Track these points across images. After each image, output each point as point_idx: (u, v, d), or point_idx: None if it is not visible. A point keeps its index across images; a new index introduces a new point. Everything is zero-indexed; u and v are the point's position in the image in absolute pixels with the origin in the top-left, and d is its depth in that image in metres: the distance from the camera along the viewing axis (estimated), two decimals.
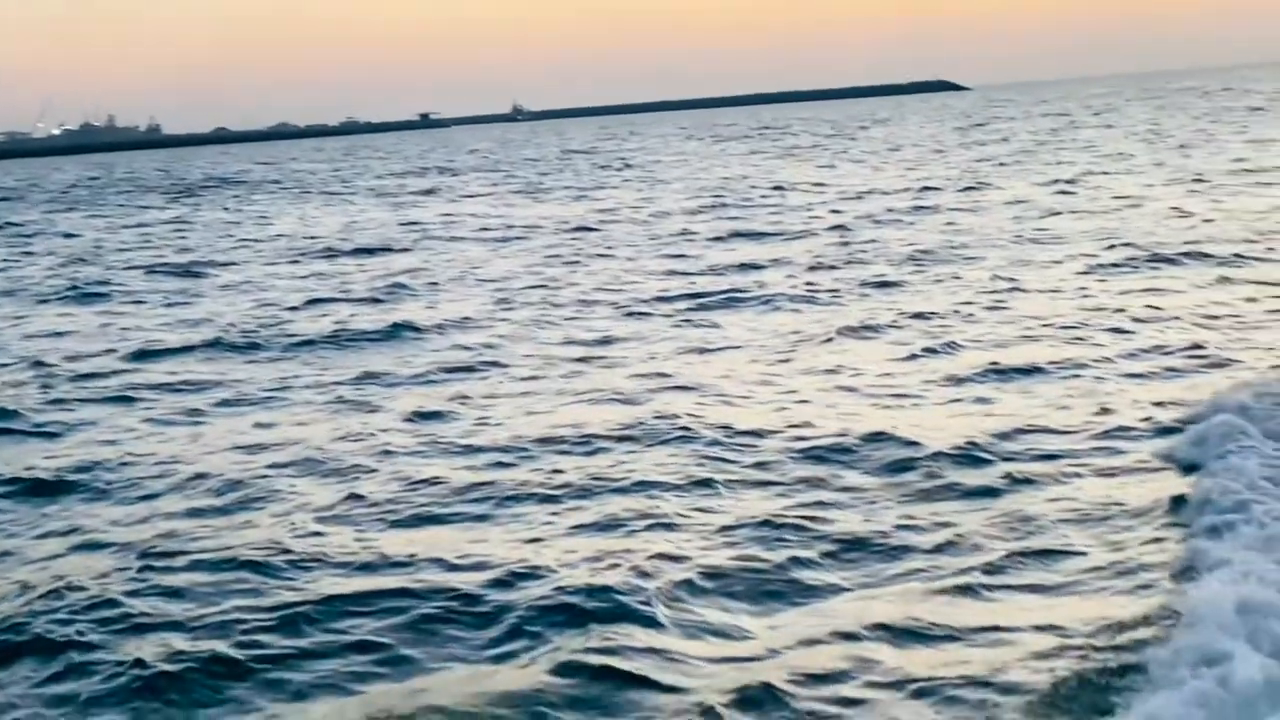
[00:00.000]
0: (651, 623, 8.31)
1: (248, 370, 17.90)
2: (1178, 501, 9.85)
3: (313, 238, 37.93)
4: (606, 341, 18.57)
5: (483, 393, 15.59)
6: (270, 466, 12.74)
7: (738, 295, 21.97)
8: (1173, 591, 8.15)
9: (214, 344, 19.83)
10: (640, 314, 20.75)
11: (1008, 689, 7.17)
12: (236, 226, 44.77)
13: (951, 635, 7.96)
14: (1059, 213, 31.05)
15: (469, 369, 17.08)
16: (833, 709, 7.10)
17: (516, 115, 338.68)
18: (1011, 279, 21.57)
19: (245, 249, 36.28)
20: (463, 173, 76.69)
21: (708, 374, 15.88)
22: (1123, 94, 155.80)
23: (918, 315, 18.81)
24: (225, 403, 15.91)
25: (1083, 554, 9.23)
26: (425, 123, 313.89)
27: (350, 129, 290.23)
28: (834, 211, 35.85)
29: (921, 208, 34.86)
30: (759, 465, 11.84)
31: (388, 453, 12.99)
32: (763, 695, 7.22)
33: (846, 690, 7.31)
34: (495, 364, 17.29)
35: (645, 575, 9.03)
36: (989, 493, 10.72)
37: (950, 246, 26.41)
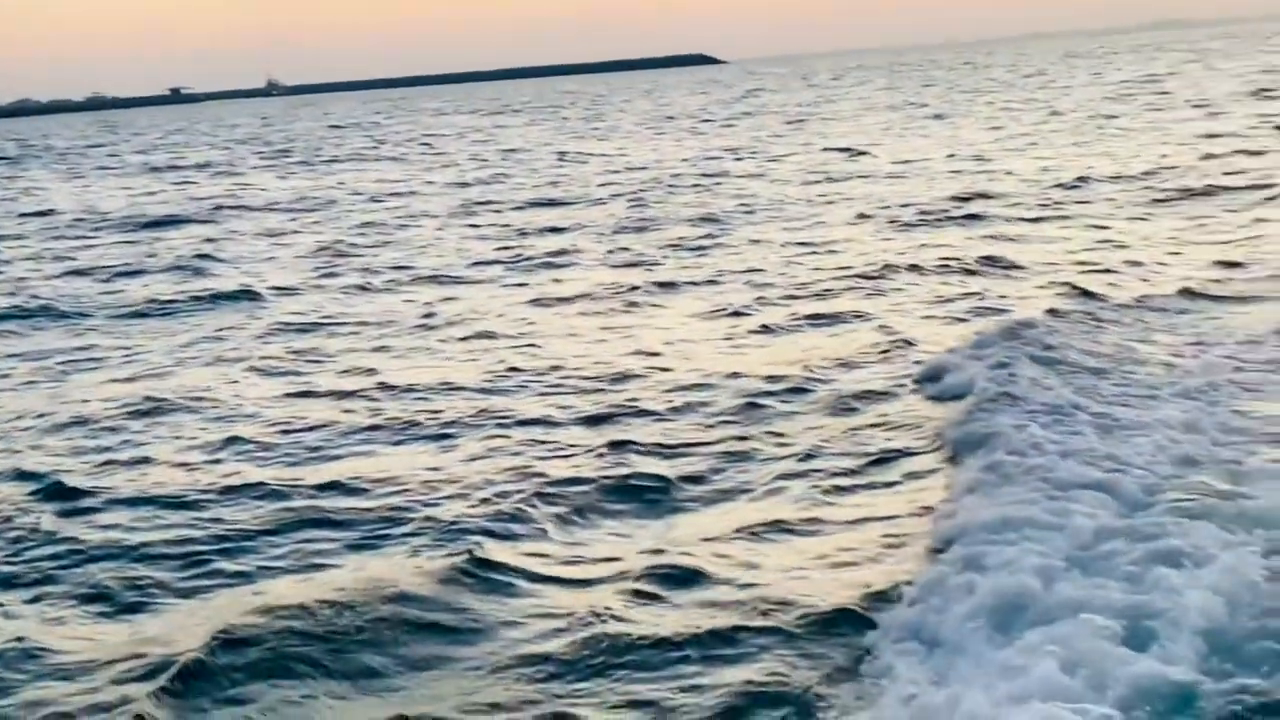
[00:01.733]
0: (514, 537, 9.39)
1: (88, 338, 18.43)
2: (955, 427, 10.94)
3: (103, 212, 37.65)
4: (442, 302, 19.48)
5: (338, 348, 16.51)
6: (144, 415, 13.61)
7: (552, 259, 23.06)
8: (945, 509, 9.08)
9: (38, 313, 20.31)
10: (463, 280, 21.68)
11: (806, 598, 7.96)
12: (12, 202, 43.89)
13: (762, 557, 8.82)
14: (838, 178, 33.01)
15: (315, 326, 18.00)
16: (669, 613, 7.97)
17: (272, 90, 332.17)
18: (806, 240, 23.10)
19: (30, 223, 35.95)
20: (232, 146, 75.99)
21: (543, 329, 17.00)
22: (879, 67, 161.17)
23: (729, 272, 20.26)
24: (73, 364, 16.57)
25: (869, 484, 10.18)
26: (177, 98, 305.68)
27: (97, 104, 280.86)
28: (621, 177, 37.33)
29: (709, 175, 36.49)
30: (604, 405, 12.89)
31: (259, 400, 13.94)
32: (614, 597, 8.18)
33: (684, 597, 8.19)
34: (339, 323, 18.18)
35: (507, 497, 10.13)
36: (795, 422, 11.88)
37: (746, 210, 27.96)
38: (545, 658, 7.42)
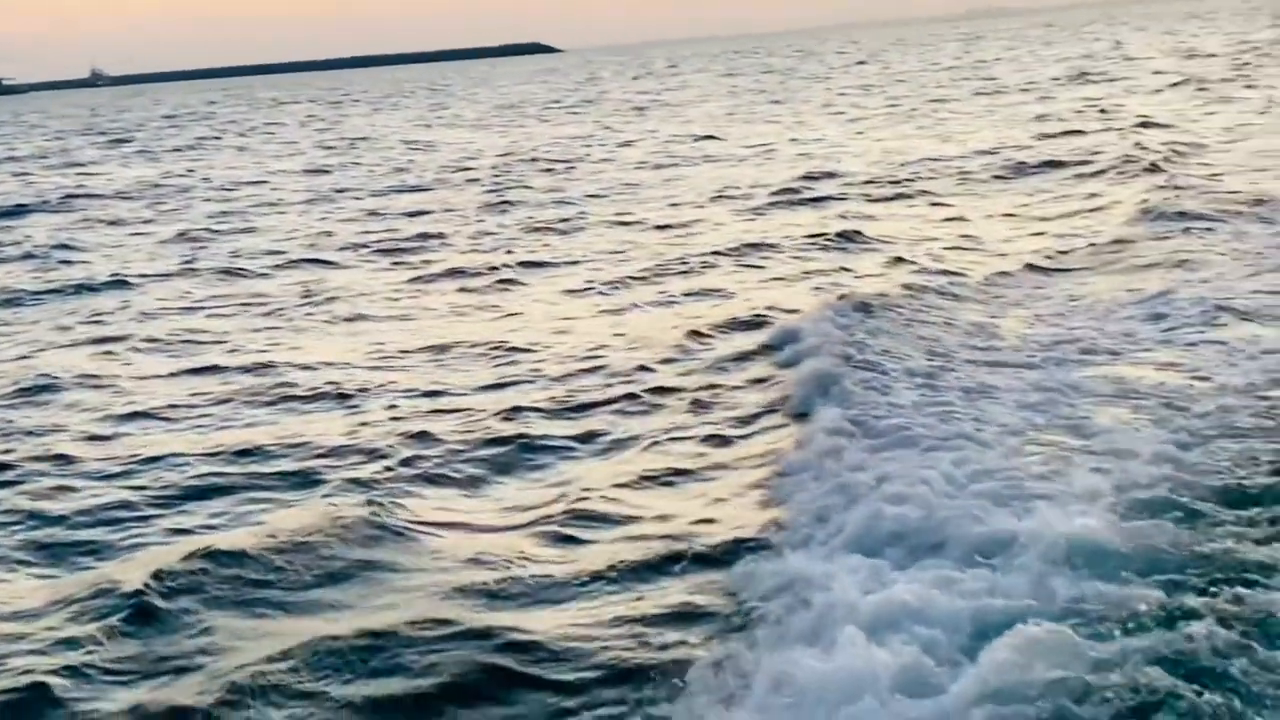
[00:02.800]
0: (421, 492, 10.06)
1: None
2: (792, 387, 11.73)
3: None
4: (318, 283, 19.93)
5: (222, 328, 16.93)
6: (42, 391, 14.00)
7: (422, 241, 23.58)
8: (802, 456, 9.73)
9: None
10: (335, 263, 22.08)
11: (702, 533, 8.66)
12: None
13: (657, 500, 9.56)
14: (689, 162, 33.99)
15: (194, 309, 18.37)
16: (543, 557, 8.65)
17: (96, 80, 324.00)
18: (663, 221, 23.85)
19: None
20: (66, 136, 74.67)
21: (423, 306, 17.62)
22: (716, 55, 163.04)
23: (594, 251, 21.05)
24: None
25: (743, 435, 10.87)
26: None
27: None
28: (475, 163, 37.89)
29: (562, 160, 37.20)
30: (494, 375, 13.58)
31: (153, 377, 14.36)
32: (489, 545, 8.83)
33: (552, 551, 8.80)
34: (218, 306, 18.57)
35: (412, 459, 10.77)
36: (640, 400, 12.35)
37: (604, 193, 28.70)
38: (461, 590, 8.06)
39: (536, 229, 24.15)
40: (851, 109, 48.00)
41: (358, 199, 31.66)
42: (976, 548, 7.36)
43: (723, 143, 38.35)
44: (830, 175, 27.85)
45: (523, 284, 18.86)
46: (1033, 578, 6.91)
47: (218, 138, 63.66)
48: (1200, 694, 5.63)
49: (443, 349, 14.86)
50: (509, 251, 21.66)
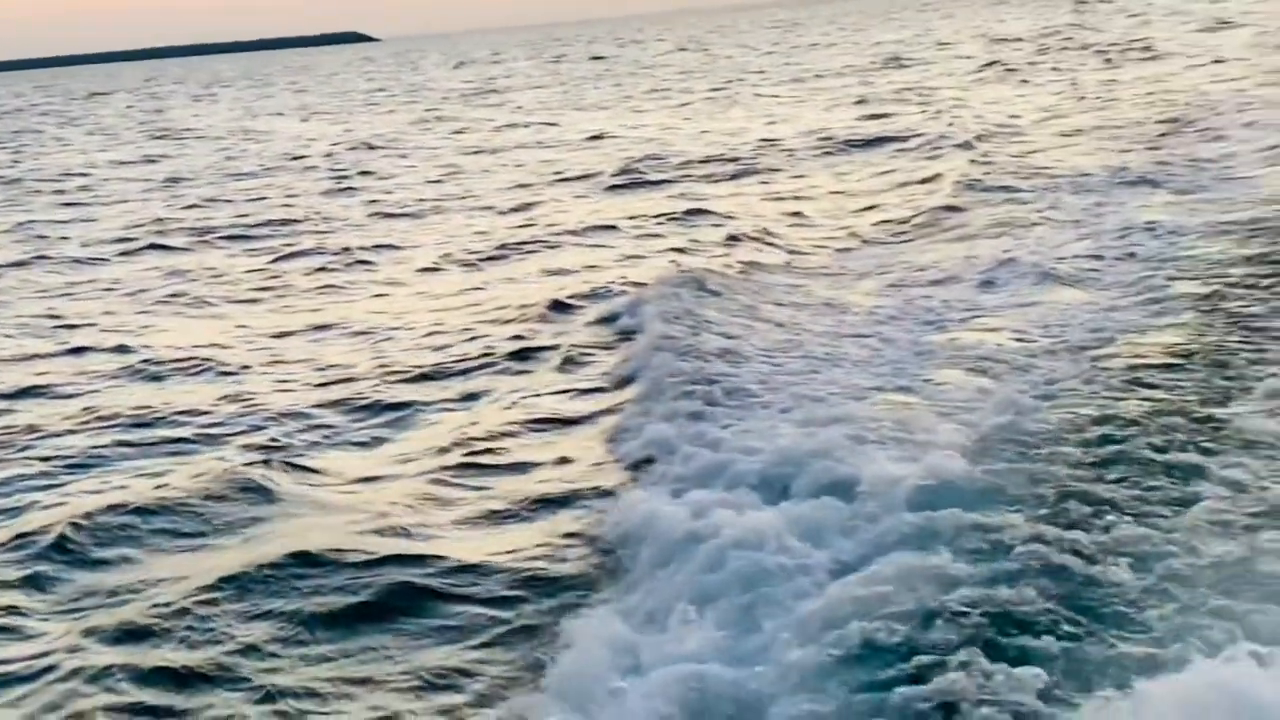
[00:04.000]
0: (306, 449, 10.77)
1: None
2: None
3: None
4: (175, 270, 20.24)
5: (94, 310, 17.33)
6: None
7: (277, 228, 23.91)
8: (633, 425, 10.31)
9: None
10: (186, 249, 22.40)
11: (563, 482, 9.43)
12: None
13: (520, 452, 10.30)
14: (528, 147, 34.64)
15: (59, 293, 18.68)
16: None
17: None
18: (503, 205, 24.49)
19: None
20: None
21: (279, 286, 18.24)
22: (536, 43, 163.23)
23: (448, 233, 21.72)
24: None
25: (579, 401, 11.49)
26: None
27: None
28: (311, 149, 38.17)
29: (397, 147, 37.61)
30: (356, 353, 14.13)
31: (33, 355, 14.85)
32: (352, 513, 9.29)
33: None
34: (81, 289, 18.92)
35: (279, 420, 11.58)
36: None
37: (446, 178, 29.30)
38: (358, 527, 8.79)
39: (383, 214, 24.67)
40: (681, 94, 49.04)
41: (197, 187, 31.73)
42: (825, 490, 7.95)
43: (558, 128, 39.03)
44: (667, 157, 28.69)
45: (376, 264, 19.46)
46: (878, 516, 7.52)
47: (38, 130, 62.39)
48: (1038, 614, 6.18)
49: (312, 326, 15.50)
50: (360, 234, 22.20)
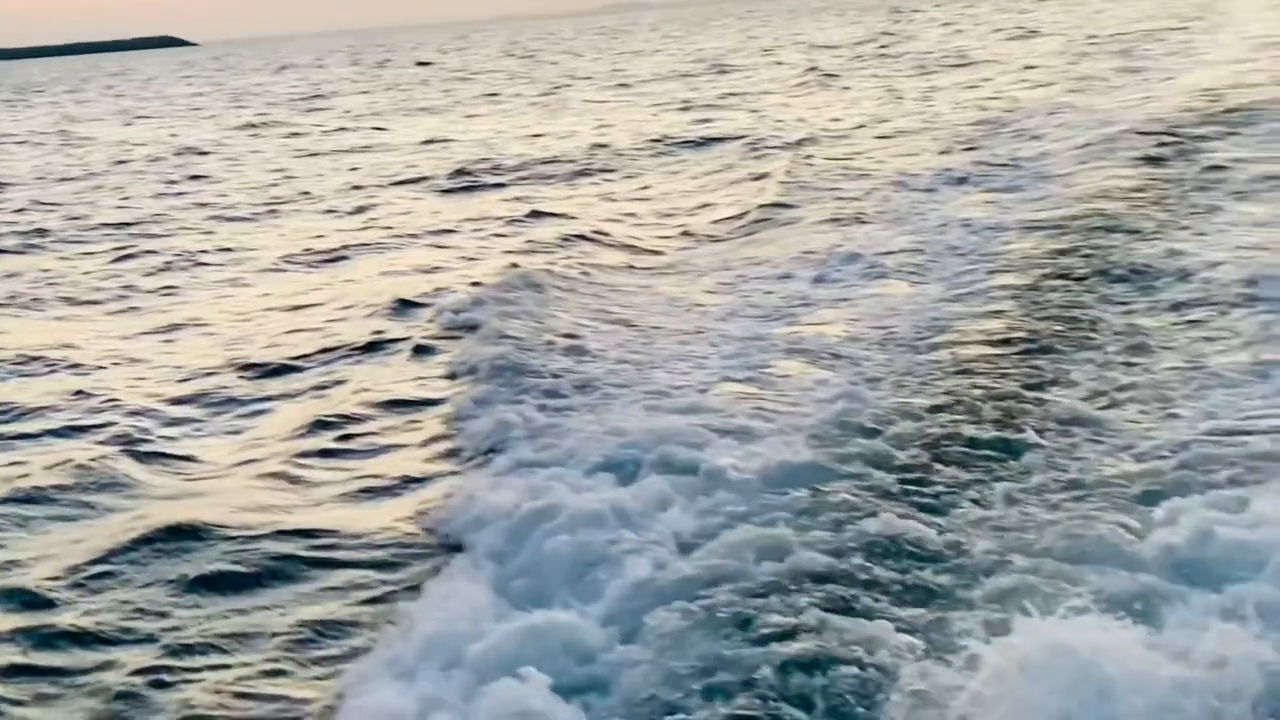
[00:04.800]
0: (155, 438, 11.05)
1: None
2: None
3: None
4: (9, 271, 20.08)
5: None
6: None
7: (114, 229, 23.77)
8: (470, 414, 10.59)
9: None
10: (17, 251, 22.15)
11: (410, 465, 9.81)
12: None
13: (369, 439, 10.62)
14: (360, 150, 34.70)
15: None
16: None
17: None
18: (342, 207, 24.64)
19: None
20: None
21: (122, 287, 18.18)
22: (357, 49, 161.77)
23: (283, 236, 21.78)
24: None
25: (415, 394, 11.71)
26: None
27: None
28: (133, 154, 37.63)
29: (228, 151, 37.29)
30: (202, 344, 14.45)
31: None
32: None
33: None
34: None
35: (142, 414, 11.72)
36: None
37: (284, 182, 29.27)
38: (212, 501, 9.22)
39: (220, 216, 24.59)
40: (511, 99, 49.40)
41: (23, 191, 31.19)
42: (670, 472, 8.32)
43: (390, 132, 39.08)
44: (502, 160, 29.04)
45: (217, 265, 19.48)
46: (722, 499, 7.87)
47: None
48: (877, 586, 6.61)
49: (159, 326, 15.52)
50: (198, 236, 22.17)
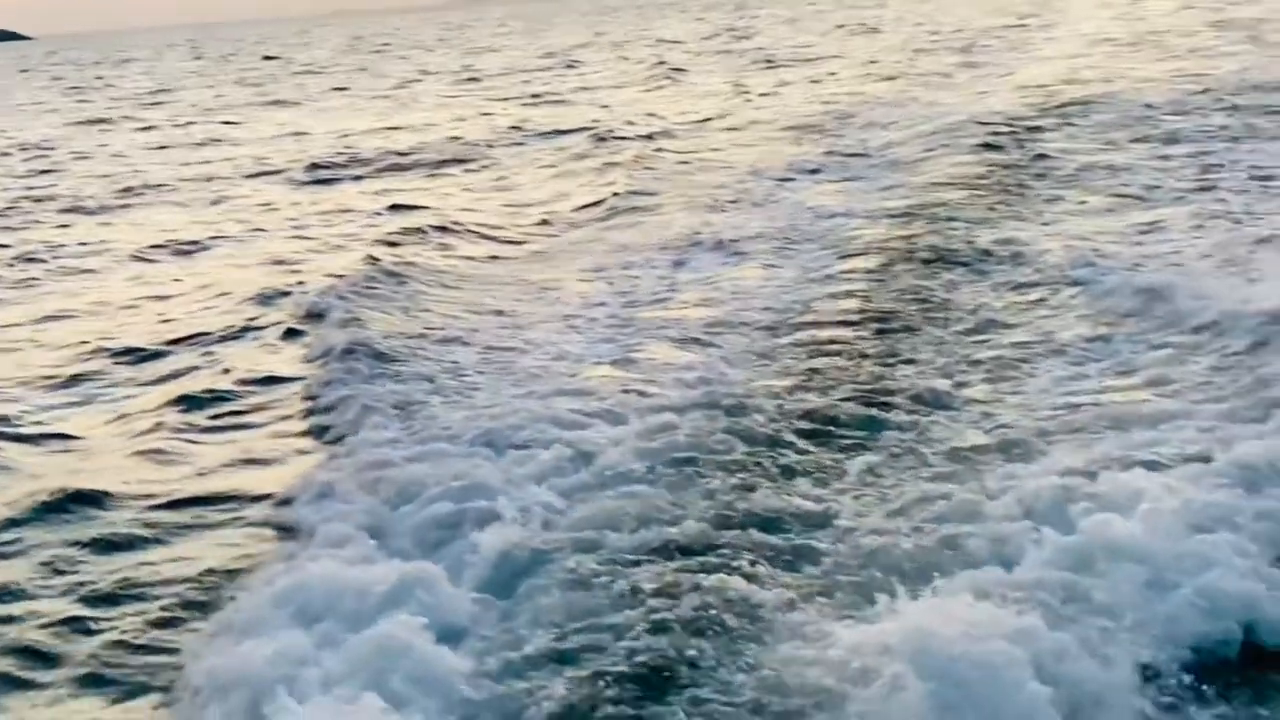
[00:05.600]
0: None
1: None
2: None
3: None
4: None
5: None
6: None
7: None
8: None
9: None
10: None
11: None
12: None
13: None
14: (216, 143, 34.40)
15: None
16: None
17: None
18: (215, 197, 24.64)
19: None
20: None
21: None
22: (197, 42, 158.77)
23: (150, 229, 21.65)
24: None
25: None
26: None
27: None
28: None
29: (81, 148, 36.63)
30: (76, 331, 14.49)
31: None
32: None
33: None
34: None
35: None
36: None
37: (132, 176, 28.93)
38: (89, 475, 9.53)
39: (73, 209, 24.39)
40: (365, 92, 49.18)
41: None
42: (536, 447, 8.68)
43: (245, 126, 38.74)
44: (359, 153, 29.04)
45: (73, 258, 19.35)
46: (589, 476, 8.21)
47: None
48: (741, 557, 6.87)
49: (14, 317, 15.52)
50: (52, 229, 22.00)
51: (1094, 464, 7.60)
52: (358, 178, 25.81)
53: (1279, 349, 9.32)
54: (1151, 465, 7.49)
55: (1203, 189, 15.48)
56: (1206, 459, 7.44)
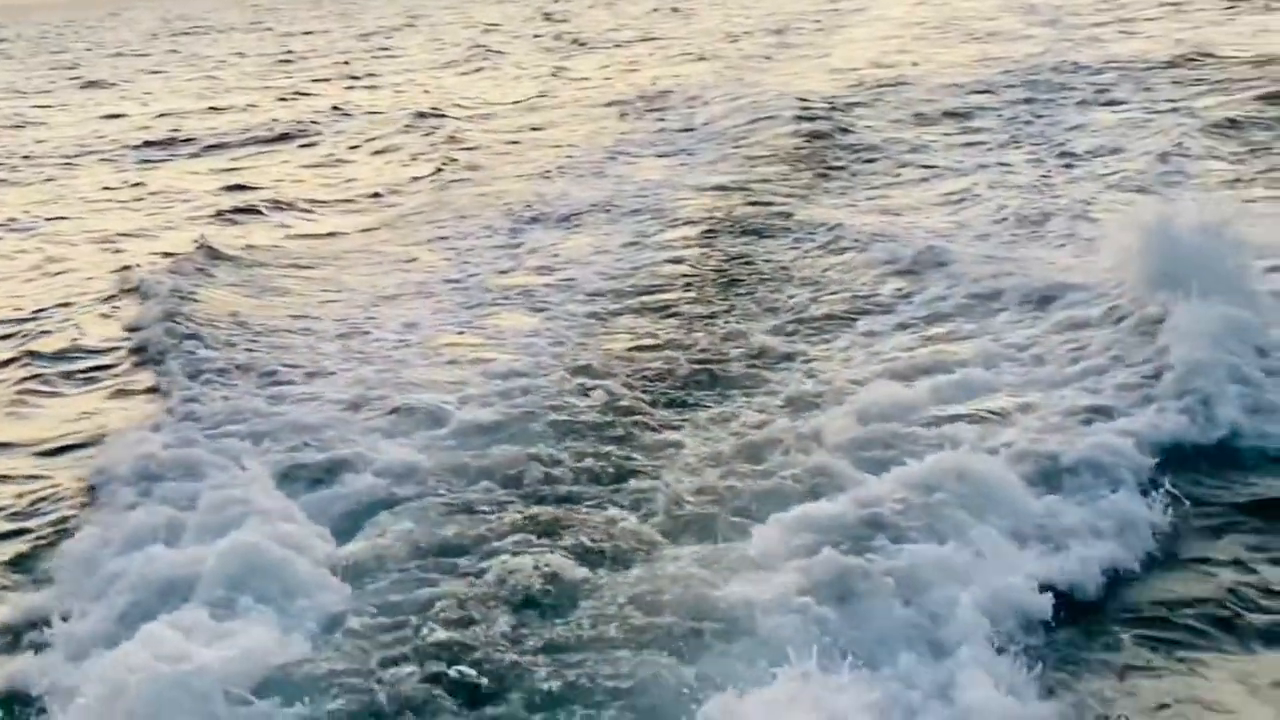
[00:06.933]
0: None
1: None
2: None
3: None
4: None
5: None
6: None
7: None
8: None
9: None
10: None
11: None
12: None
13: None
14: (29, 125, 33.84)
15: None
16: None
17: None
18: (38, 179, 24.44)
19: None
20: None
21: None
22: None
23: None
24: None
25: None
26: None
27: None
28: None
29: None
30: None
31: None
32: None
33: None
34: None
35: None
36: None
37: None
38: None
39: None
40: (181, 75, 48.33)
41: None
42: (370, 412, 9.20)
43: (62, 109, 38.01)
44: (183, 134, 28.79)
45: None
46: (429, 434, 8.70)
47: None
48: (574, 526, 7.14)
49: None
50: None
51: (910, 409, 8.38)
52: (186, 157, 25.73)
53: (1063, 305, 10.33)
54: (958, 409, 8.43)
55: (1001, 163, 16.50)
56: (1002, 404, 8.42)
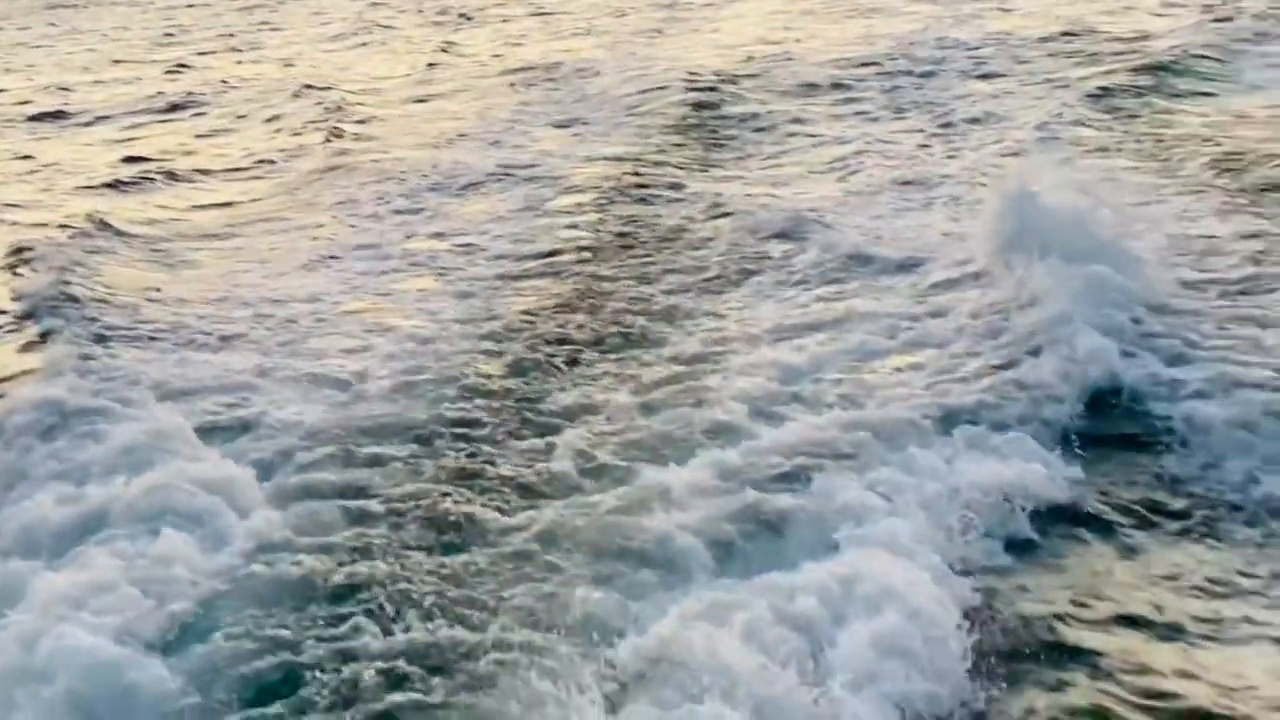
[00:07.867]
0: None
1: None
2: None
3: None
4: None
5: None
6: None
7: None
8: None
9: None
10: None
11: None
12: None
13: None
14: None
15: None
16: None
17: None
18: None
19: None
20: None
21: None
22: None
23: None
24: None
25: None
26: None
27: None
28: None
29: None
30: None
31: None
32: None
33: None
34: None
35: None
36: None
37: None
38: None
39: None
40: (61, 48, 47.39)
41: None
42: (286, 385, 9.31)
43: None
44: (74, 104, 28.36)
45: None
46: (331, 401, 8.88)
47: None
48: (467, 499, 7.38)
49: None
50: None
51: (802, 366, 8.90)
52: (76, 128, 25.45)
53: (941, 266, 10.98)
54: (847, 363, 9.07)
55: (883, 133, 17.06)
56: (883, 352, 9.17)
